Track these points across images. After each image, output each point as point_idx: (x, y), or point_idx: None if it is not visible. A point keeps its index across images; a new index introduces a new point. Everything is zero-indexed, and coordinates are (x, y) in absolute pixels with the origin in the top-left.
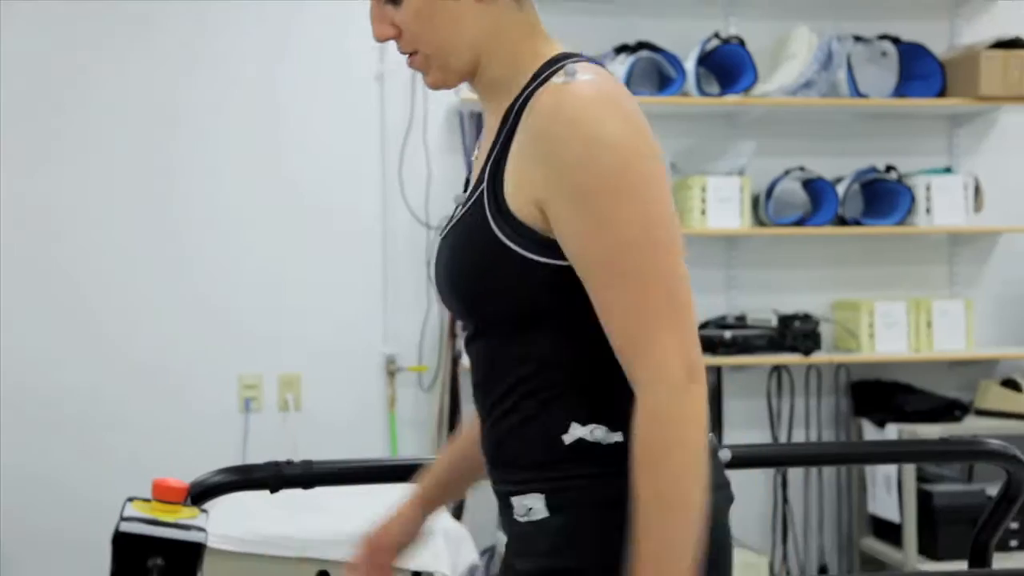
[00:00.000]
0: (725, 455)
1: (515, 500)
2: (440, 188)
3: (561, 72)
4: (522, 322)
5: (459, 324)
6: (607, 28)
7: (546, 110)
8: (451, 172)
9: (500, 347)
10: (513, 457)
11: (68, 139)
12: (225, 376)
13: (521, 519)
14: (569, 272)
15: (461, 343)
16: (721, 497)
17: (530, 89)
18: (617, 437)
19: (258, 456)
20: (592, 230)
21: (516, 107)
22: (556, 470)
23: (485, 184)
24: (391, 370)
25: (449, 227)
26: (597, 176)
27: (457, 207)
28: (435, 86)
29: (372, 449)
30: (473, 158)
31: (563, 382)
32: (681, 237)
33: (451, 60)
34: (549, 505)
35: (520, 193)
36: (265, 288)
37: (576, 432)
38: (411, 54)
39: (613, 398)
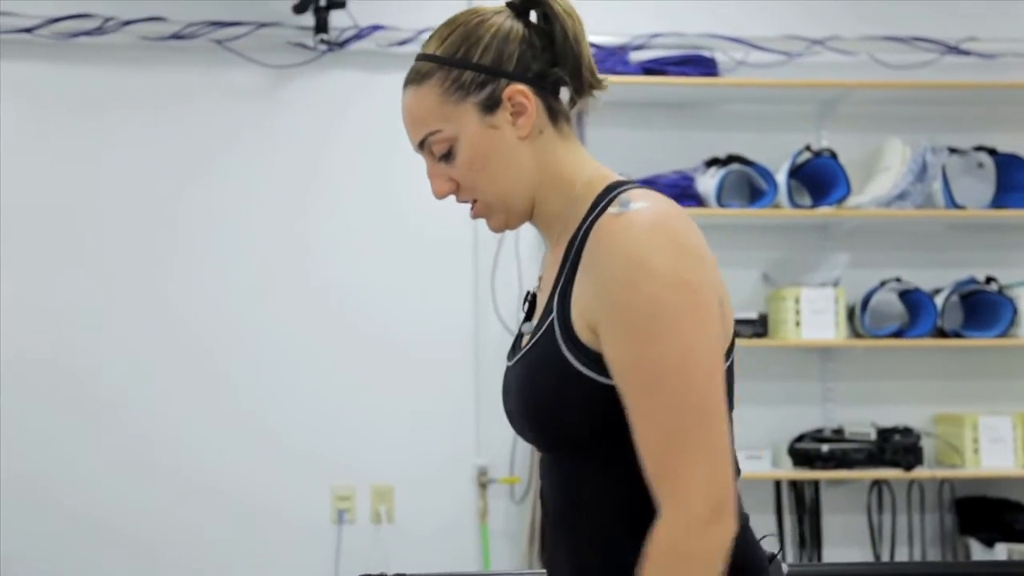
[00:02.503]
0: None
1: None
2: None
3: (616, 202)
4: (600, 444)
5: None
6: (698, 142)
7: (601, 238)
8: None
9: (582, 470)
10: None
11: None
12: (319, 487)
13: None
14: None
15: None
16: None
17: (590, 219)
18: None
19: (351, 569)
20: (630, 355)
21: (579, 238)
22: None
23: (555, 312)
24: (483, 482)
25: (520, 355)
26: (638, 303)
27: (520, 336)
28: (498, 229)
29: (463, 562)
30: (536, 289)
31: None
32: (722, 372)
33: (509, 201)
34: None
35: (581, 318)
36: (359, 400)
37: None
38: (472, 204)
39: None
